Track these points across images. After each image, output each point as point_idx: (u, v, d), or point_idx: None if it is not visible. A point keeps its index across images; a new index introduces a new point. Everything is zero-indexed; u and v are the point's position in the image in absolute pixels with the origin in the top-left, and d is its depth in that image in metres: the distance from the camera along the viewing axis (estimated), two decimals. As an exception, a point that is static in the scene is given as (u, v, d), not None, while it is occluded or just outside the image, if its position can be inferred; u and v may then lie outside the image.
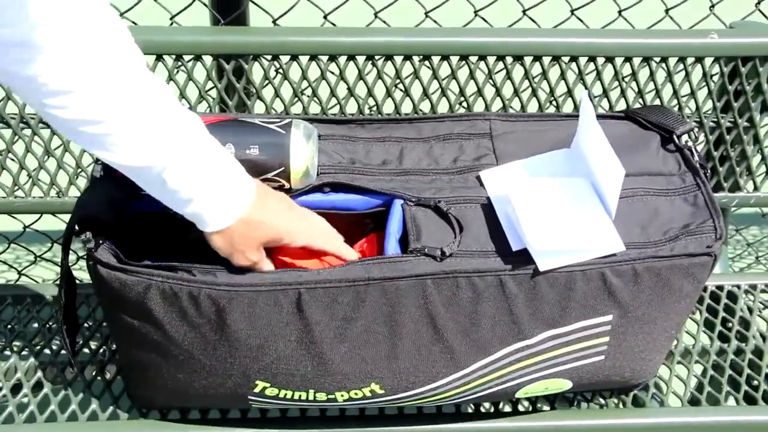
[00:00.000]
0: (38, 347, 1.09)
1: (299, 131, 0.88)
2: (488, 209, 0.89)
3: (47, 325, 1.12)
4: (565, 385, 0.97)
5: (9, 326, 1.12)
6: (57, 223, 1.45)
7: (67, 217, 0.88)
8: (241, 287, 0.82)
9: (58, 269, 1.62)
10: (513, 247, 0.85)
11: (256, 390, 0.91)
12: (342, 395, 0.92)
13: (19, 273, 1.57)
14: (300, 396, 0.91)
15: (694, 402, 1.08)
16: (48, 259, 1.61)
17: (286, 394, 0.91)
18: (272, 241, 0.83)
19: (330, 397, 0.92)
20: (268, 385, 0.90)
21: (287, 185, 0.89)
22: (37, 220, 1.42)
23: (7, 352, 1.08)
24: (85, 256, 0.84)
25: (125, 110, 0.71)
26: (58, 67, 0.67)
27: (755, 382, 1.10)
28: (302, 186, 0.90)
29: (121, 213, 0.87)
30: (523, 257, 0.85)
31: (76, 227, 0.85)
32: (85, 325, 1.12)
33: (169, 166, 0.74)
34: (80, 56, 0.68)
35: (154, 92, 0.73)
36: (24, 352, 1.08)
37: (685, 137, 0.98)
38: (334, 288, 0.83)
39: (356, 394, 0.92)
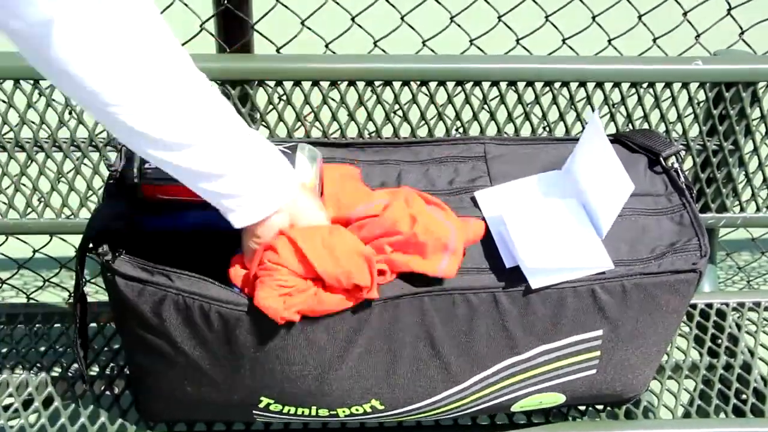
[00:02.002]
0: (48, 363, 1.12)
1: (304, 154, 0.92)
2: (482, 228, 0.92)
3: (57, 342, 1.15)
4: (559, 398, 1.00)
5: (20, 343, 1.16)
6: (65, 249, 1.48)
7: (77, 239, 0.90)
8: (249, 309, 0.84)
9: (66, 294, 1.65)
10: (506, 264, 0.88)
11: (261, 405, 0.93)
12: (343, 411, 0.94)
13: (28, 297, 1.60)
14: (303, 412, 0.94)
15: (685, 416, 1.10)
16: (56, 283, 1.64)
17: (289, 410, 0.94)
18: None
19: (332, 413, 0.94)
20: (272, 401, 0.93)
21: None
22: (47, 244, 1.45)
23: (19, 369, 1.11)
24: (101, 268, 0.87)
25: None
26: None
27: (744, 396, 1.13)
28: None
29: (136, 227, 0.90)
30: (517, 275, 0.88)
31: (90, 244, 0.87)
32: (95, 343, 1.15)
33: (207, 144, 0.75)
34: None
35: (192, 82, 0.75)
36: (35, 369, 1.11)
37: (671, 159, 1.02)
38: (338, 314, 0.85)
39: (357, 410, 0.94)
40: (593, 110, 1.21)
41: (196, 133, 0.74)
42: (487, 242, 0.91)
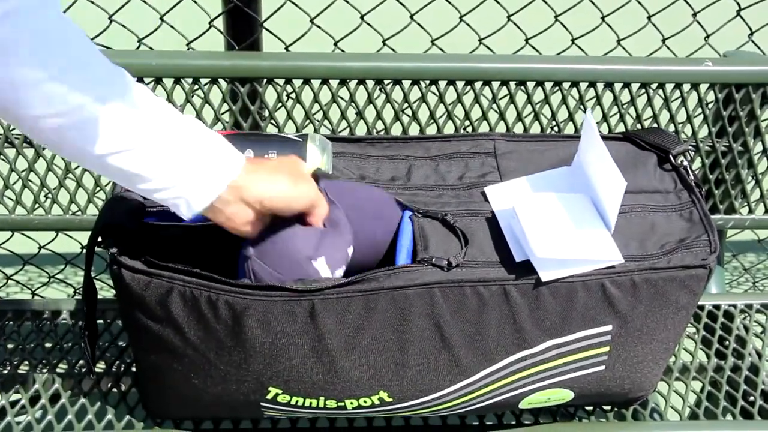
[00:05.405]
0: (55, 360, 1.12)
1: (315, 143, 0.93)
2: (492, 222, 0.93)
3: (64, 339, 1.15)
4: (567, 395, 1.00)
5: (27, 340, 1.15)
6: (70, 245, 1.49)
7: (83, 235, 0.90)
8: (257, 294, 0.85)
9: (71, 290, 1.65)
10: (516, 258, 0.89)
11: (269, 396, 0.93)
12: (351, 403, 0.94)
13: (33, 293, 1.60)
14: (311, 403, 0.94)
15: (692, 417, 1.10)
16: (61, 279, 1.65)
17: (297, 401, 0.94)
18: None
19: (340, 404, 0.94)
20: (280, 391, 0.93)
21: None
22: (52, 240, 1.46)
23: (26, 365, 1.11)
24: (108, 261, 0.87)
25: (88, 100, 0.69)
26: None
27: (751, 398, 1.13)
28: None
29: (145, 220, 0.90)
30: (527, 268, 0.88)
31: (99, 238, 0.88)
32: (102, 341, 1.15)
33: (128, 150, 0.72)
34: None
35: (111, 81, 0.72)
36: (41, 365, 1.11)
37: (680, 157, 1.02)
38: (346, 297, 0.86)
39: (365, 401, 0.94)
40: (602, 112, 1.21)
41: (127, 138, 0.72)
42: (498, 237, 0.91)
